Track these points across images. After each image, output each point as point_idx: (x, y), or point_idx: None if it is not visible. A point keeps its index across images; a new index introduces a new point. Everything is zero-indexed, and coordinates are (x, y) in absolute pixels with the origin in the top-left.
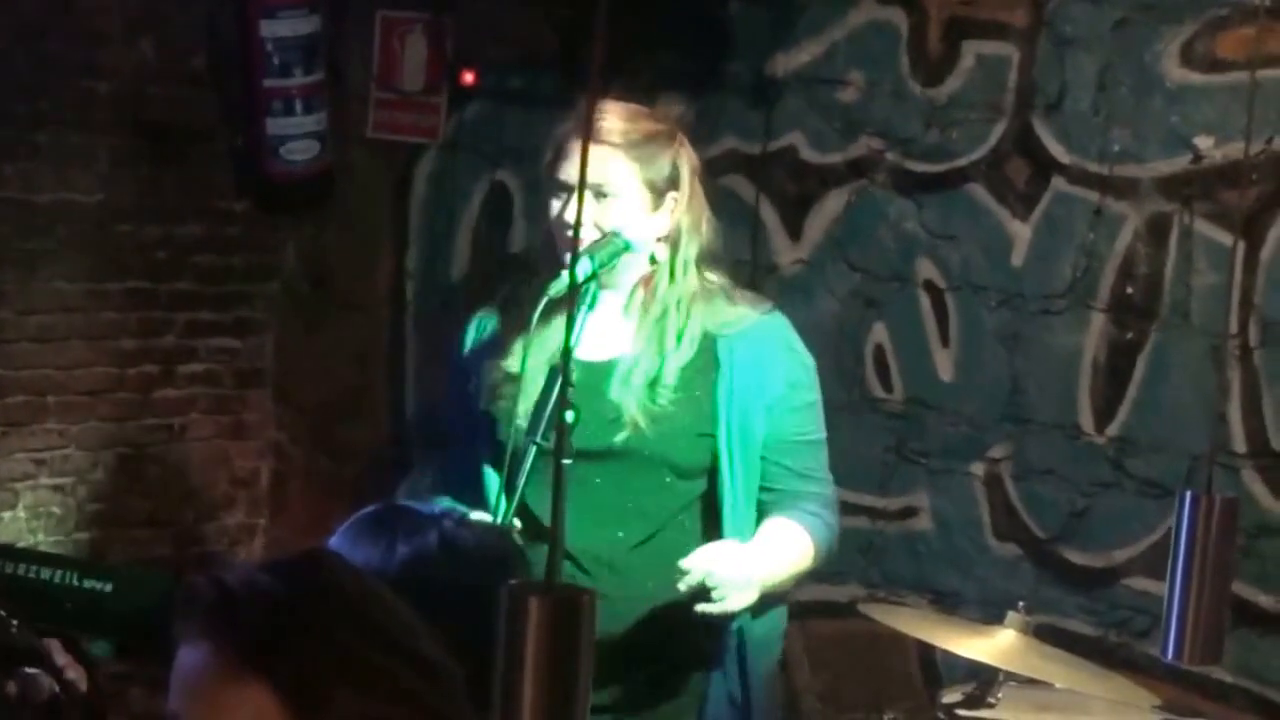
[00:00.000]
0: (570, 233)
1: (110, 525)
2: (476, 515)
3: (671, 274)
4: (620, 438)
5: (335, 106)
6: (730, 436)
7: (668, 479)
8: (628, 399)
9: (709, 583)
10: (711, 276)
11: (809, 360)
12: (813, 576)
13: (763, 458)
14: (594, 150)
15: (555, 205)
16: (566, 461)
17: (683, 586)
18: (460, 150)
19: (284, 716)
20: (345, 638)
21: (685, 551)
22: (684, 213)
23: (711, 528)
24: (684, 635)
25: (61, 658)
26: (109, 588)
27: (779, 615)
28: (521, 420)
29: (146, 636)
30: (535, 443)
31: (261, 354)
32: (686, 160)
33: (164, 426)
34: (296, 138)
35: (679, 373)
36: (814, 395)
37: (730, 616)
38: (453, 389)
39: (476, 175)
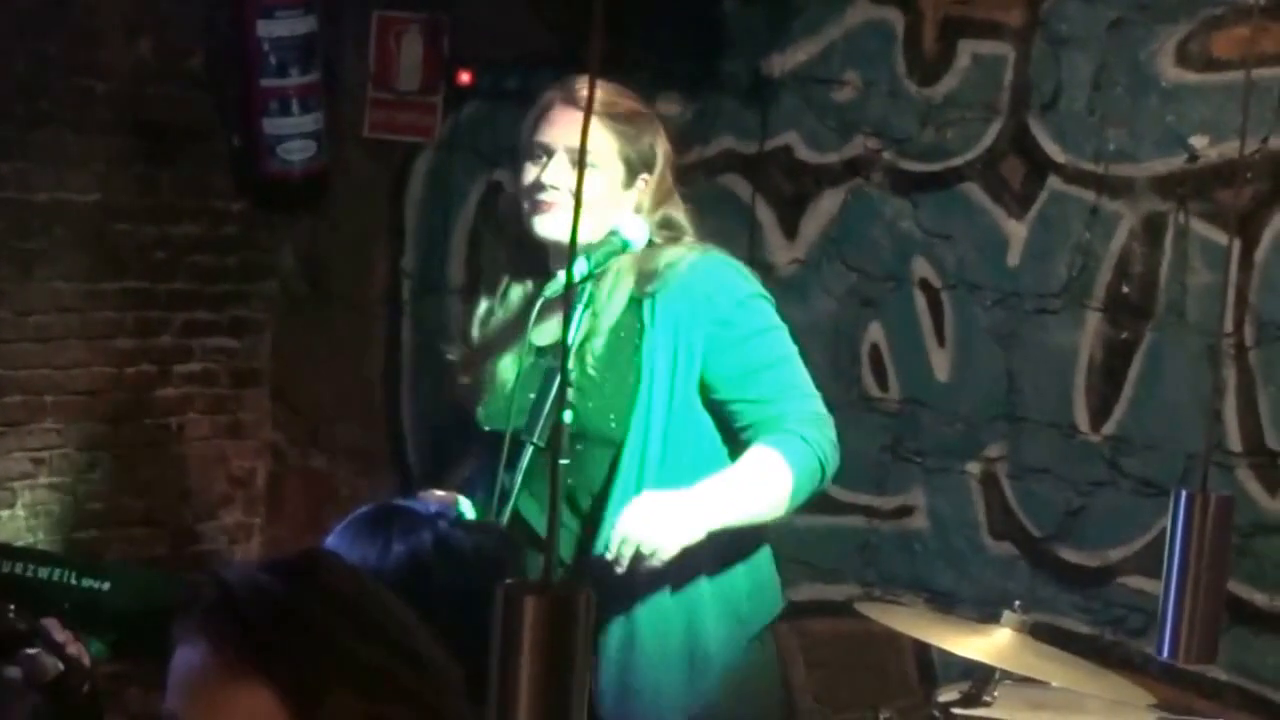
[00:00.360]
0: (543, 196)
1: (108, 524)
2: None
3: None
4: (569, 416)
5: (332, 106)
6: (651, 394)
7: (613, 456)
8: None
9: (641, 550)
10: (661, 238)
11: (745, 292)
12: (809, 575)
13: (722, 400)
14: (577, 117)
15: (531, 169)
16: (564, 462)
17: (619, 568)
18: (456, 150)
19: (283, 716)
20: (344, 637)
21: (595, 524)
22: (649, 196)
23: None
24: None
25: (60, 634)
26: (106, 586)
27: (673, 605)
28: (515, 419)
29: (143, 635)
30: (532, 443)
31: (258, 353)
32: (663, 147)
33: (161, 426)
34: (293, 137)
35: (608, 335)
36: (756, 324)
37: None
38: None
39: (473, 175)
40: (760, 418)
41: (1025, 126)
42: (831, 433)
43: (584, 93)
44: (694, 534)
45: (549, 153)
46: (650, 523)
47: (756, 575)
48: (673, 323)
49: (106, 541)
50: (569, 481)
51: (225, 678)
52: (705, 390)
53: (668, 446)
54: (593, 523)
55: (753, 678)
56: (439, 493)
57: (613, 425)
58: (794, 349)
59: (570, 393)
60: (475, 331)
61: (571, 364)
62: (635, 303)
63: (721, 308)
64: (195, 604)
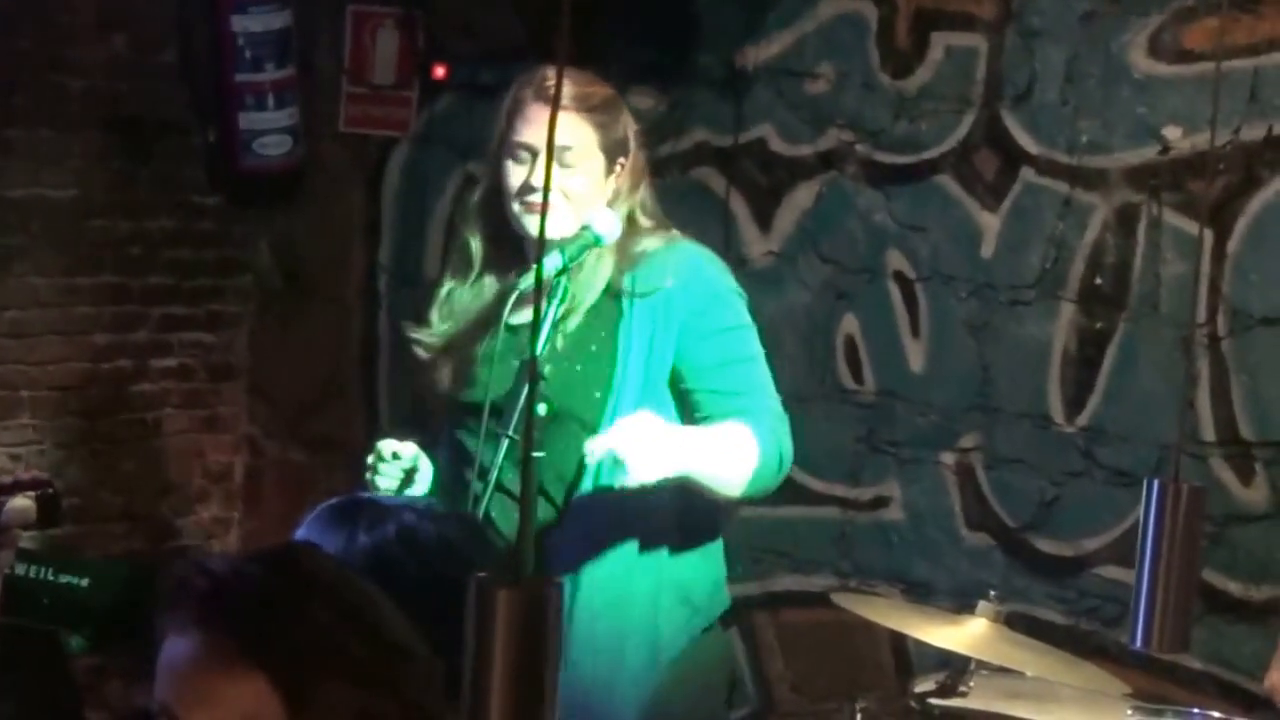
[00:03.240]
0: (533, 198)
1: (85, 520)
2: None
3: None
4: (542, 408)
5: (307, 101)
6: (626, 372)
7: (584, 435)
8: (541, 356)
9: (618, 455)
10: (644, 223)
11: (721, 287)
12: (785, 566)
13: (690, 389)
14: (561, 114)
15: (516, 170)
16: (538, 455)
17: (590, 461)
18: (432, 144)
19: (277, 706)
20: (335, 628)
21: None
22: (626, 178)
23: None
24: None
25: (8, 478)
26: (84, 582)
27: (629, 589)
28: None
29: (123, 630)
30: (508, 435)
31: (235, 348)
32: (632, 126)
33: (138, 421)
34: (268, 132)
35: (584, 317)
36: (728, 320)
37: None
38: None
39: (448, 168)
40: (725, 410)
41: (998, 118)
42: (789, 436)
43: (549, 84)
44: (670, 467)
45: (533, 153)
46: (637, 439)
47: (711, 566)
48: (650, 308)
49: (84, 537)
50: (545, 463)
51: (219, 667)
52: (674, 378)
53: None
54: (562, 501)
55: (703, 669)
56: (395, 443)
57: (584, 404)
58: (762, 350)
59: (544, 373)
60: (439, 321)
61: (542, 350)
62: (612, 286)
63: (699, 298)
64: (184, 594)
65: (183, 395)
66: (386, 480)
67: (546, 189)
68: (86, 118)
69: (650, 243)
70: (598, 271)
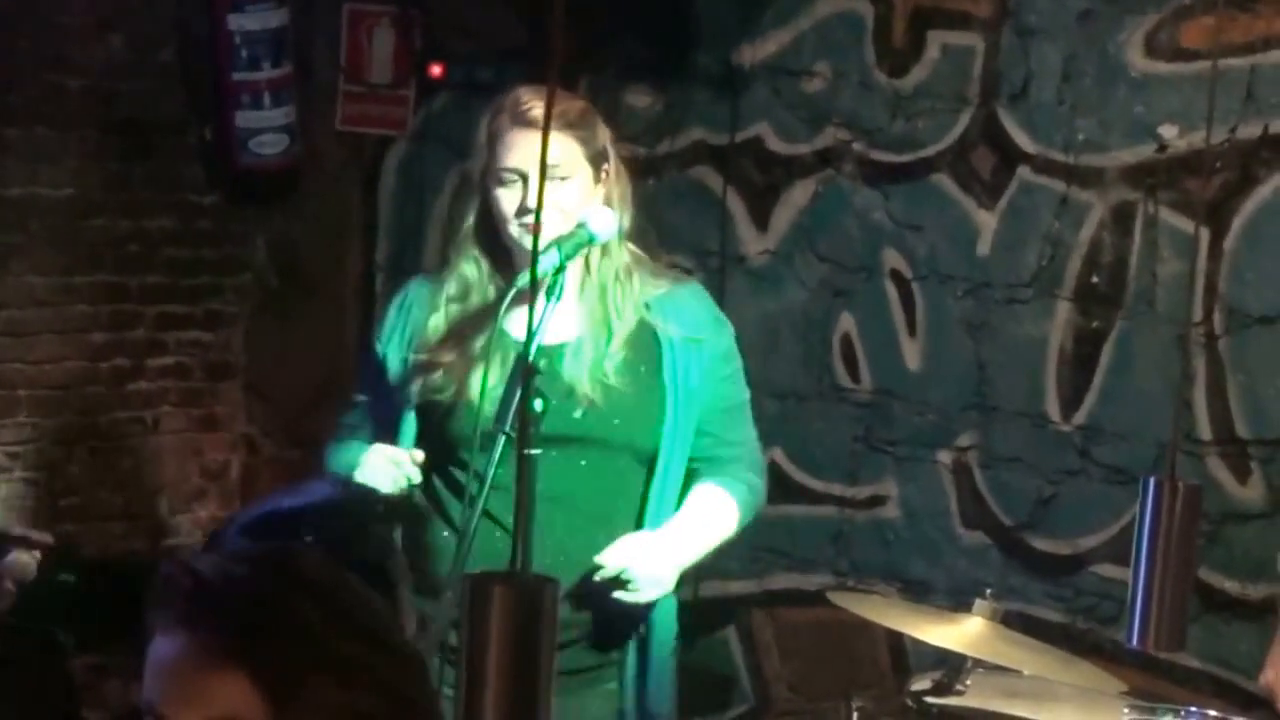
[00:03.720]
0: (531, 219)
1: (83, 519)
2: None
3: (606, 248)
4: (578, 414)
5: (304, 99)
6: (677, 410)
7: (622, 462)
8: (580, 375)
9: (625, 577)
10: (632, 247)
11: (730, 327)
12: (782, 564)
13: (698, 430)
14: (533, 136)
15: (507, 195)
16: (535, 452)
17: (598, 578)
18: (428, 142)
19: (263, 706)
20: (321, 626)
21: (614, 536)
22: (613, 185)
23: (641, 508)
24: (606, 615)
25: (17, 529)
26: (82, 580)
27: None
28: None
29: (120, 628)
30: (504, 433)
31: (232, 347)
32: (607, 133)
33: (135, 420)
34: (265, 131)
35: (624, 345)
36: (738, 361)
37: (647, 606)
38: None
39: (445, 167)
40: (719, 455)
41: (995, 117)
42: (765, 476)
43: (531, 111)
44: (670, 581)
45: (523, 177)
46: (645, 556)
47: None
48: (685, 343)
49: (81, 535)
50: (581, 484)
51: (205, 666)
52: None
53: (684, 460)
54: (616, 530)
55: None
56: (389, 449)
57: (632, 434)
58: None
59: (577, 391)
60: (432, 325)
61: (584, 378)
62: (643, 319)
63: (724, 340)
64: (171, 593)
65: (180, 394)
66: (386, 484)
67: (539, 206)
68: (84, 117)
69: (670, 283)
70: (625, 291)
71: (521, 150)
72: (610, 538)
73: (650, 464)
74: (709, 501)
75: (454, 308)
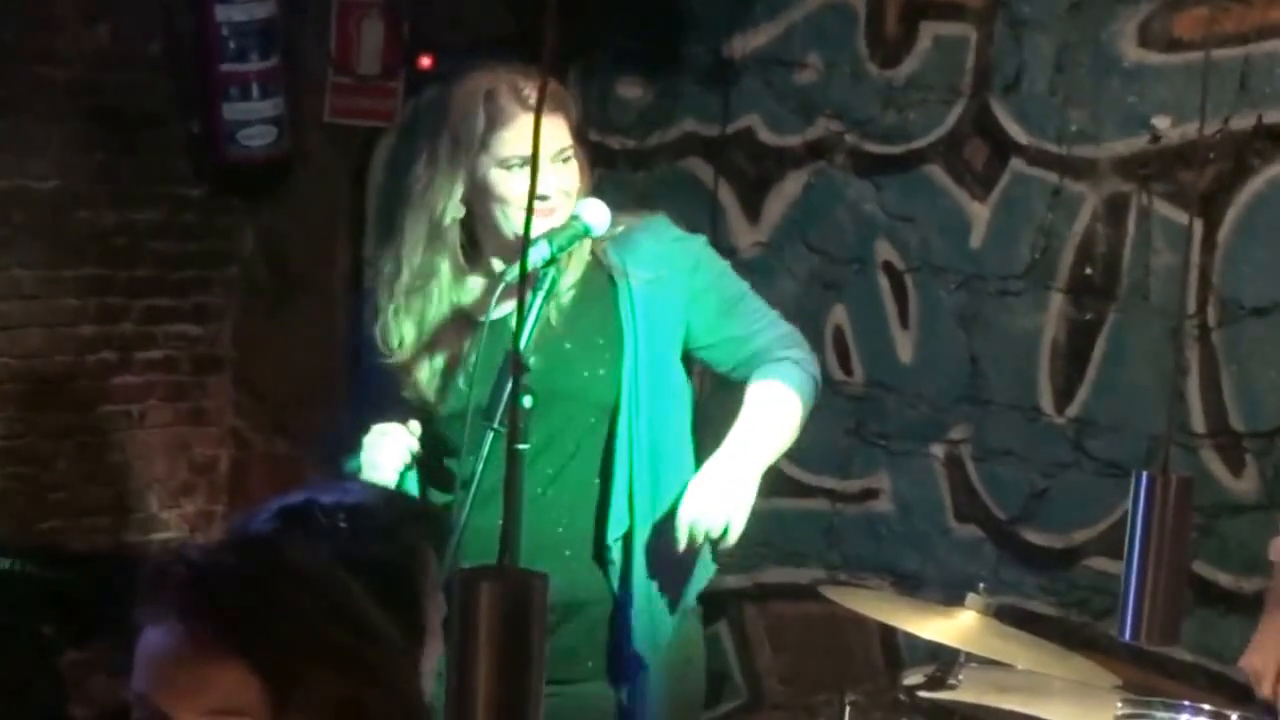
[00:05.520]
0: (541, 204)
1: (71, 514)
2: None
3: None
4: (528, 400)
5: (292, 91)
6: (637, 354)
7: (573, 410)
8: (530, 339)
9: (713, 533)
10: None
11: (697, 240)
12: (774, 558)
13: (704, 346)
14: (548, 118)
15: (511, 180)
16: (523, 447)
17: (681, 547)
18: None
19: (261, 695)
20: (317, 617)
21: (589, 486)
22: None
23: (608, 456)
24: (592, 582)
25: None
26: (69, 575)
27: (677, 609)
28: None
29: (107, 624)
30: (493, 428)
31: (220, 340)
32: None
33: (123, 414)
34: (253, 123)
35: (574, 287)
36: (716, 265)
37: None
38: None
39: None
40: (746, 353)
41: (987, 108)
42: (805, 343)
43: (527, 93)
44: (752, 497)
45: (527, 161)
46: (717, 504)
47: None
48: (649, 268)
49: (69, 530)
50: (542, 438)
51: (201, 658)
52: (687, 342)
53: (653, 401)
54: (565, 484)
55: (681, 649)
56: (384, 426)
57: (591, 380)
58: (745, 282)
59: (532, 362)
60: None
61: (529, 337)
62: (597, 255)
63: (688, 256)
64: (162, 583)
65: (168, 388)
66: (387, 459)
67: (531, 197)
68: (70, 109)
69: (622, 221)
70: (574, 253)
71: (527, 134)
72: (570, 489)
73: (613, 413)
74: (760, 397)
75: (426, 304)
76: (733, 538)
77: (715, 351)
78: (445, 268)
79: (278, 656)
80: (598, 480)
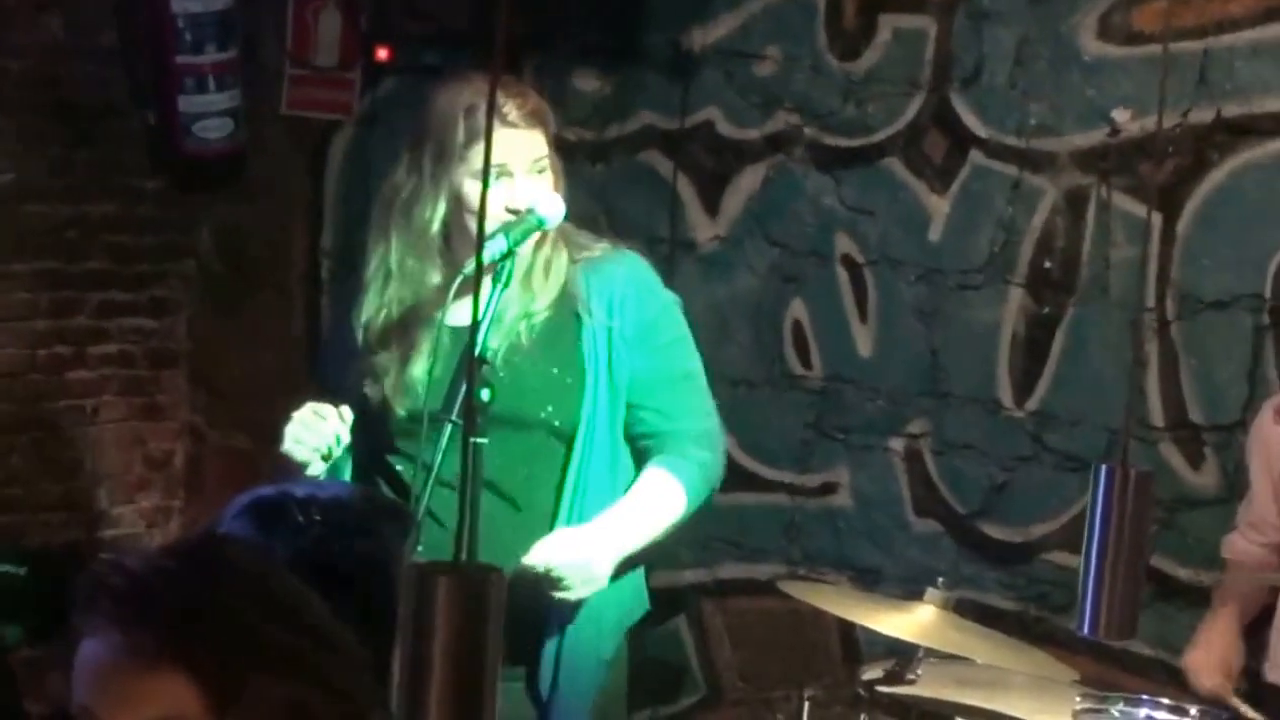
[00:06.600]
0: (508, 215)
1: (24, 509)
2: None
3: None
4: (486, 394)
5: (249, 83)
6: (597, 388)
7: (539, 440)
8: (500, 351)
9: (553, 575)
10: (567, 226)
11: (668, 297)
12: (733, 553)
13: (630, 404)
14: (526, 132)
15: (493, 194)
16: (483, 440)
17: (520, 574)
18: (375, 127)
19: (202, 704)
20: (259, 621)
21: (548, 516)
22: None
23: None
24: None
25: None
26: (23, 571)
27: (609, 612)
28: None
29: (62, 620)
30: (451, 421)
31: (175, 334)
32: None
33: (77, 408)
34: (209, 115)
35: (542, 319)
36: (676, 332)
37: (580, 601)
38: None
39: (391, 152)
40: (661, 430)
41: (947, 101)
42: (722, 449)
43: (511, 115)
44: (607, 571)
45: (508, 174)
46: (578, 566)
47: (634, 575)
48: (607, 315)
49: (23, 526)
50: (498, 463)
51: (140, 668)
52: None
53: (611, 439)
54: (534, 512)
55: (615, 678)
56: (312, 405)
57: (550, 412)
58: (700, 361)
59: (496, 372)
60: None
61: (500, 349)
62: (570, 282)
63: (651, 309)
64: (99, 593)
65: (122, 382)
66: (314, 439)
67: (483, 203)
68: (24, 101)
69: (599, 248)
70: (550, 270)
71: (504, 147)
72: (528, 519)
73: (570, 443)
74: (651, 487)
75: (408, 308)
76: (568, 594)
77: (634, 413)
78: (433, 275)
79: (217, 663)
80: (553, 508)
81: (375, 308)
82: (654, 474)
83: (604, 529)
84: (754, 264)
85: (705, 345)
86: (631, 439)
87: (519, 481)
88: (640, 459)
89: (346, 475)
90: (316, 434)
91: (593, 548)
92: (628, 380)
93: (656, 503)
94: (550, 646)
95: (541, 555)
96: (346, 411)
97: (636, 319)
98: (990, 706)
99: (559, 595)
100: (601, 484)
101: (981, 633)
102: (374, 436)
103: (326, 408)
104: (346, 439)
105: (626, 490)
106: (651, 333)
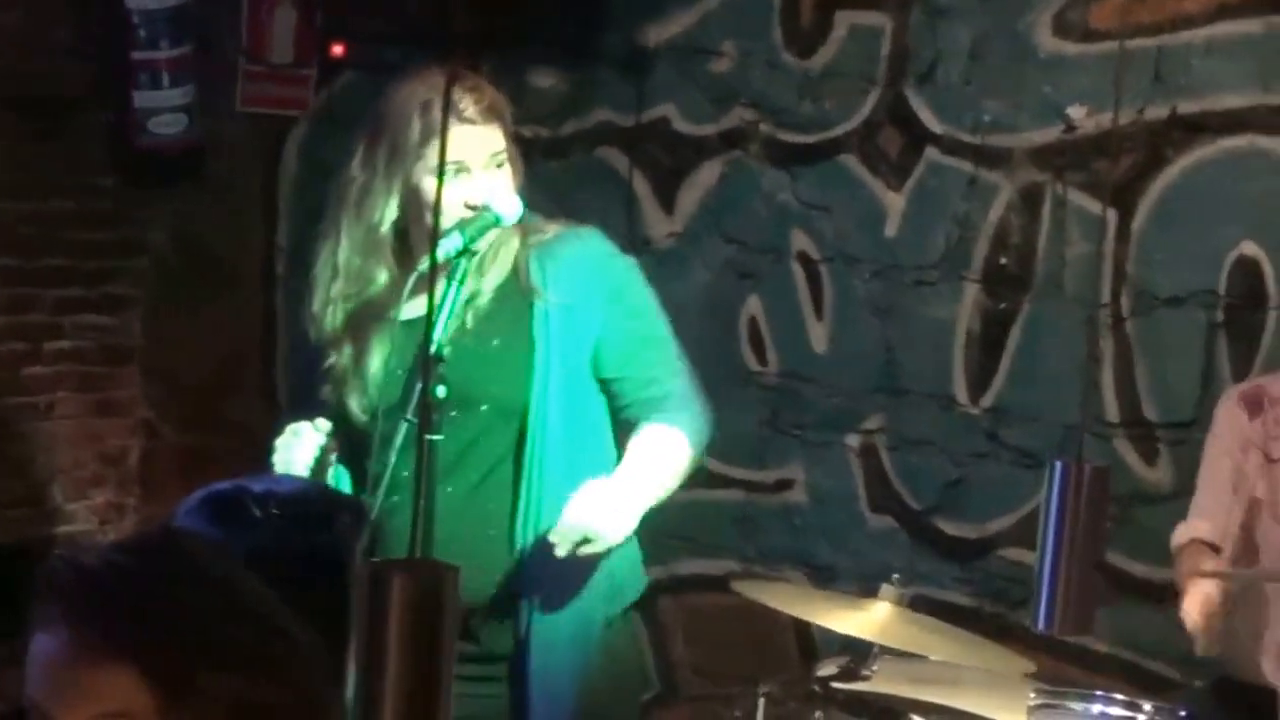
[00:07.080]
0: (469, 214)
1: None
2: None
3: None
4: (442, 390)
5: (205, 80)
6: (548, 367)
7: (488, 419)
8: (445, 336)
9: (589, 537)
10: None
11: (626, 262)
12: (689, 550)
13: (607, 379)
14: (483, 127)
15: (450, 190)
16: (438, 438)
17: (561, 552)
18: (331, 123)
19: (152, 700)
20: (211, 616)
21: (503, 499)
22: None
23: (517, 469)
24: (505, 604)
25: None
26: None
27: (578, 614)
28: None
29: (18, 618)
30: (406, 419)
31: (130, 330)
32: None
33: (31, 405)
34: (164, 111)
35: (490, 298)
36: (638, 298)
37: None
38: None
39: (347, 148)
40: (645, 396)
41: (903, 97)
42: (703, 402)
43: (466, 111)
44: (634, 520)
45: (465, 170)
46: (599, 512)
47: (629, 546)
48: (566, 290)
49: None
50: (451, 448)
51: (89, 664)
52: (593, 362)
53: (567, 416)
54: (490, 490)
55: (619, 656)
56: (294, 425)
57: (502, 389)
58: (667, 323)
59: (448, 360)
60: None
61: (445, 334)
62: (520, 271)
63: (615, 278)
64: (51, 589)
65: (77, 378)
66: (300, 457)
67: (438, 202)
68: None
69: (552, 229)
70: (504, 245)
71: (458, 143)
72: (483, 500)
73: (523, 422)
74: (656, 439)
75: (358, 306)
76: (602, 546)
77: (612, 386)
78: (380, 273)
79: (167, 659)
80: (510, 489)
81: (322, 303)
82: (652, 429)
83: (627, 482)
84: (709, 260)
85: None
86: (615, 413)
87: (473, 462)
88: (628, 431)
89: (345, 484)
90: (300, 452)
91: (621, 500)
92: (600, 354)
93: (664, 452)
94: (526, 628)
95: (576, 520)
96: (323, 422)
97: (601, 289)
98: (946, 702)
99: (587, 549)
100: (558, 463)
101: (937, 628)
102: (346, 437)
103: (302, 425)
104: (333, 449)
105: (589, 471)
106: (615, 304)
